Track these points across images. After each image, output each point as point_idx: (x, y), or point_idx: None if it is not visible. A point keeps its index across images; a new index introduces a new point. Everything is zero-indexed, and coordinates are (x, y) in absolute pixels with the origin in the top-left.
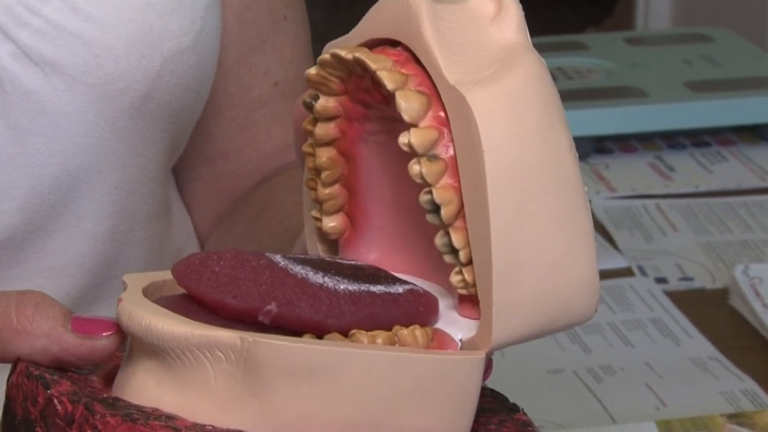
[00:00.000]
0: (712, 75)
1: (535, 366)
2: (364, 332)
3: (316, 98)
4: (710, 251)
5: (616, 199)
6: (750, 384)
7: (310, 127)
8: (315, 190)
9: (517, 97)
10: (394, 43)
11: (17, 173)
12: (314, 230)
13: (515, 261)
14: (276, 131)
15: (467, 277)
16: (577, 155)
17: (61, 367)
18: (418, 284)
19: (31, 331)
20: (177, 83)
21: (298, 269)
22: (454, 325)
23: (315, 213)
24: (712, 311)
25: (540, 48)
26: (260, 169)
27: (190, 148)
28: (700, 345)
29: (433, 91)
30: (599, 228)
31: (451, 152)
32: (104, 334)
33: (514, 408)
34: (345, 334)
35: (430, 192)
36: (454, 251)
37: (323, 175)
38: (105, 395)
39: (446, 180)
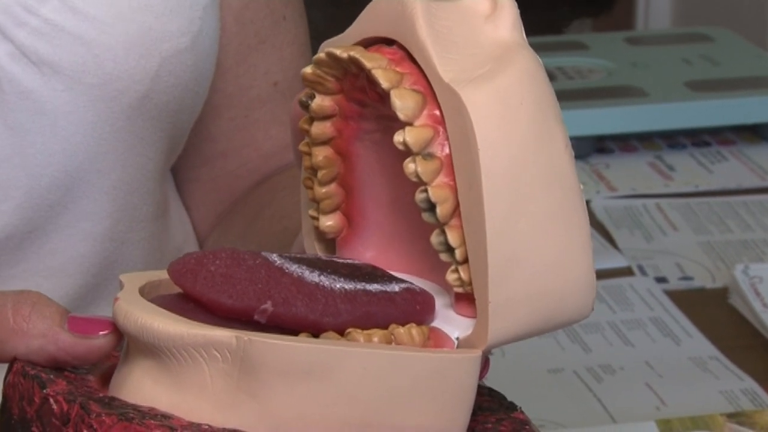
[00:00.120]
0: (713, 75)
1: (535, 365)
2: (360, 331)
3: (312, 97)
4: (710, 251)
5: (616, 198)
6: (750, 383)
7: (306, 126)
8: (312, 189)
9: (512, 95)
10: (389, 42)
11: (16, 173)
12: (311, 229)
13: (511, 259)
14: (275, 131)
15: (463, 275)
16: (572, 153)
17: (58, 366)
18: (414, 283)
19: (28, 331)
20: (175, 83)
21: (294, 268)
22: (451, 323)
23: (312, 212)
24: (712, 311)
25: (540, 47)
26: (259, 169)
27: (189, 148)
28: (700, 344)
29: (428, 89)
30: (599, 227)
31: (447, 151)
32: (101, 333)
33: (512, 406)
34: (341, 332)
35: (426, 190)
36: (449, 250)
37: (320, 174)
38: (101, 394)
39: (441, 178)
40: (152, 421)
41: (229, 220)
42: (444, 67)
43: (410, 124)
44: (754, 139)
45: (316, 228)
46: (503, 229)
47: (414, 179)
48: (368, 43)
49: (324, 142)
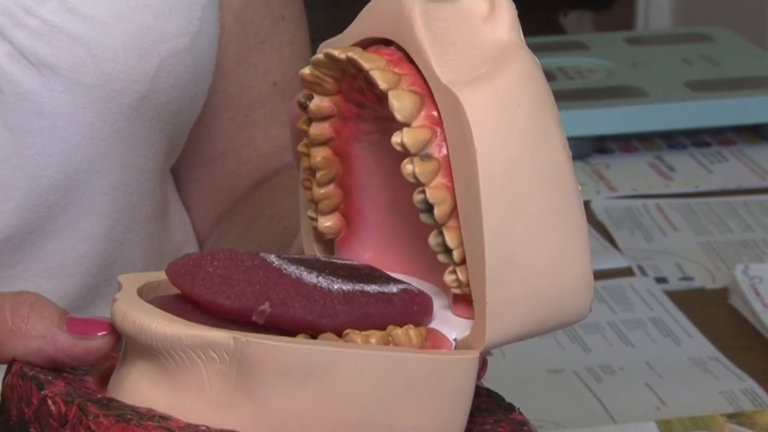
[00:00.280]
0: (713, 75)
1: (534, 365)
2: (357, 332)
3: (311, 98)
4: (710, 251)
5: (616, 198)
6: (750, 384)
7: (304, 127)
8: (310, 189)
9: (509, 96)
10: (387, 43)
11: (15, 174)
12: (310, 230)
13: (508, 260)
14: (275, 131)
15: (461, 276)
16: (570, 154)
17: (57, 367)
18: (412, 284)
19: (26, 332)
20: (174, 84)
21: (292, 269)
22: (449, 324)
23: (311, 213)
24: (712, 311)
25: (540, 48)
26: (259, 169)
27: (189, 148)
28: (700, 345)
29: (426, 90)
30: (600, 228)
31: (444, 152)
32: (99, 334)
33: (510, 408)
34: (339, 334)
35: (424, 191)
36: (447, 251)
37: (318, 174)
38: (99, 396)
39: (439, 179)
40: (150, 423)
41: (229, 220)
42: (442, 68)
43: (408, 125)
44: (754, 139)
45: (315, 229)
46: (501, 229)
47: (412, 180)
48: (366, 44)
49: (322, 143)
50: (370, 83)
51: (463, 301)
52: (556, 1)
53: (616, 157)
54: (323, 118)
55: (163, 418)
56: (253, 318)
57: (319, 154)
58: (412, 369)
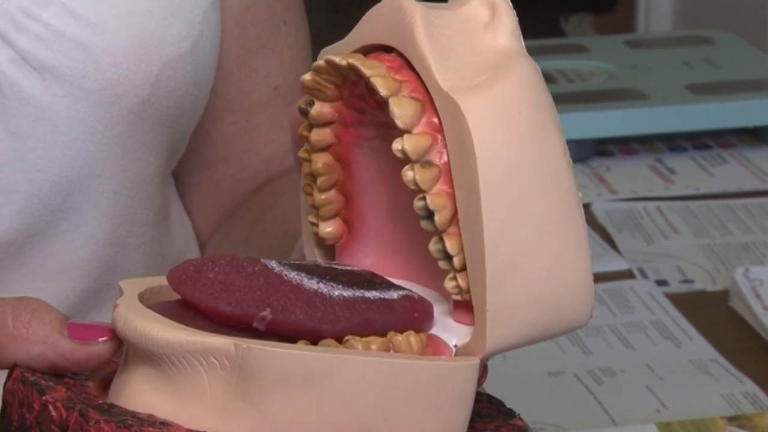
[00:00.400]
0: (713, 77)
1: (535, 368)
2: (358, 338)
3: (312, 104)
4: (711, 253)
5: (616, 201)
6: (750, 386)
7: (305, 133)
8: (311, 195)
9: (509, 103)
10: (388, 49)
11: (17, 178)
12: (311, 235)
13: (509, 266)
14: (276, 135)
15: (461, 282)
16: (570, 160)
17: (58, 373)
18: (413, 290)
19: (28, 338)
20: (175, 88)
21: (293, 275)
22: (449, 330)
23: (311, 218)
24: (712, 313)
25: (541, 50)
26: (260, 173)
27: (190, 152)
28: (700, 347)
29: (427, 97)
30: (600, 230)
31: (445, 158)
32: (100, 340)
33: (511, 413)
34: (339, 340)
35: (424, 198)
36: (448, 257)
37: (319, 180)
38: (100, 401)
39: (440, 186)
40: (150, 429)
41: (230, 224)
42: (442, 75)
43: (409, 131)
44: (754, 142)
45: (316, 234)
46: (501, 236)
47: (412, 187)
48: (367, 50)
49: (323, 149)
50: (371, 90)
51: (464, 307)
52: (557, 4)
53: (617, 160)
54: (324, 124)
55: (164, 424)
56: (254, 324)
57: (320, 160)
58: (413, 375)
